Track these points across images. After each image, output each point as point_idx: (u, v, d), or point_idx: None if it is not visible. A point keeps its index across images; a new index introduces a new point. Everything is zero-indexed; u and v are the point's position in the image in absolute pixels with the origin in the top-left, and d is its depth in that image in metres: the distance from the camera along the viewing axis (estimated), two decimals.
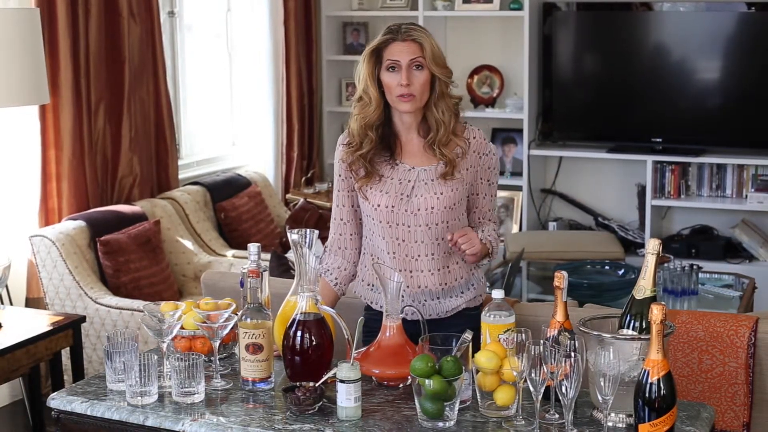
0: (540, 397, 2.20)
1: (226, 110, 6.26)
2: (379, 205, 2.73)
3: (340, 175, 2.83)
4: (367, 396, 2.38)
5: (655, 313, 2.05)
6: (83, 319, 3.87)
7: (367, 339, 2.63)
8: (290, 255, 4.32)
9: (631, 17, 6.17)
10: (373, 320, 2.71)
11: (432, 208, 2.70)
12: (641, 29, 6.16)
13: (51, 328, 3.71)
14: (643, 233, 6.12)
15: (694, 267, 4.53)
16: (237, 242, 5.38)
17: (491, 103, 6.55)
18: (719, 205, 6.05)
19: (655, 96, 6.13)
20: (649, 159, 6.05)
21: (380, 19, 6.65)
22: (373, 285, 2.81)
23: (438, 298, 2.76)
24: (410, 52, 2.67)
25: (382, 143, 2.75)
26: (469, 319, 2.68)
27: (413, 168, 2.74)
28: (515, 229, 6.23)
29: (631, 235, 6.20)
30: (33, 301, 4.55)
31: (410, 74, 2.66)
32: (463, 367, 2.28)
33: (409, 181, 2.73)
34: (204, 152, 6.07)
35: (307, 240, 2.57)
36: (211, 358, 2.56)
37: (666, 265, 4.56)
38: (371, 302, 2.84)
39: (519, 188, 6.25)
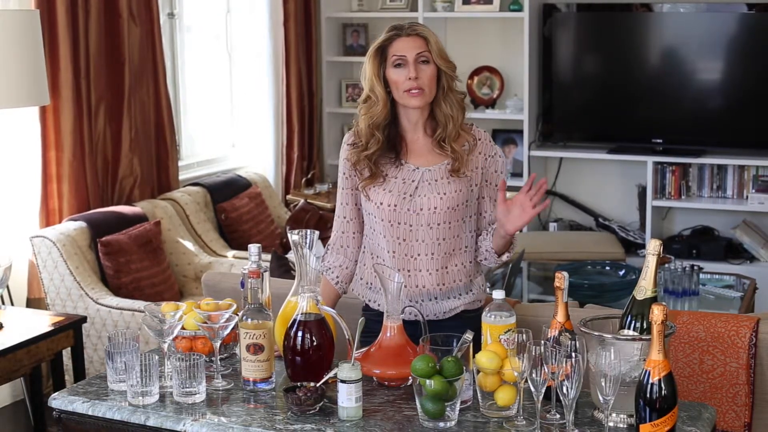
0: (541, 398, 2.20)
1: (227, 111, 6.27)
2: (381, 203, 2.72)
3: (344, 173, 2.82)
4: (368, 396, 2.38)
5: (656, 313, 2.05)
6: (84, 319, 3.87)
7: (366, 339, 2.61)
8: (291, 256, 4.32)
9: (631, 18, 6.17)
10: (370, 321, 2.70)
11: (435, 208, 2.70)
12: (641, 30, 6.16)
13: (52, 328, 3.72)
14: (644, 234, 6.12)
15: (695, 268, 4.52)
16: (237, 243, 5.38)
17: (491, 104, 6.55)
18: (720, 206, 6.05)
19: (656, 97, 6.13)
20: (650, 160, 6.05)
21: (380, 20, 6.65)
22: (371, 284, 2.81)
23: (436, 298, 2.76)
24: (416, 46, 2.67)
25: (387, 144, 2.75)
26: (467, 321, 2.67)
27: (418, 168, 2.74)
28: None
29: (631, 235, 6.20)
30: (34, 302, 4.55)
31: (417, 68, 2.65)
32: (464, 368, 2.28)
33: (413, 180, 2.72)
34: (204, 153, 6.08)
35: (308, 241, 2.57)
36: (212, 359, 2.56)
37: (667, 265, 4.56)
38: (369, 301, 2.83)
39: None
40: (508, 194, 2.69)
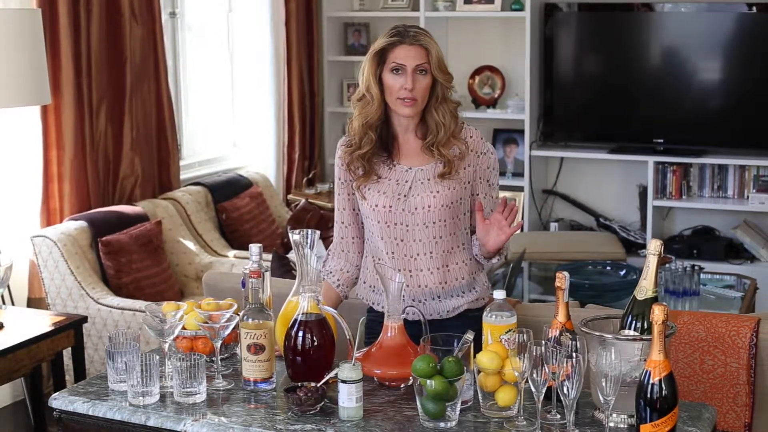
0: (541, 398, 2.20)
1: (228, 111, 6.27)
2: (377, 206, 2.73)
3: (339, 178, 2.83)
4: (368, 396, 2.38)
5: (657, 313, 2.05)
6: (85, 319, 3.87)
7: (370, 341, 2.63)
8: (291, 255, 4.32)
9: (632, 18, 6.17)
10: (375, 322, 2.71)
11: (429, 206, 2.70)
12: (642, 30, 6.16)
13: (53, 328, 3.72)
14: (645, 234, 6.12)
15: (696, 268, 4.53)
16: (238, 243, 5.38)
17: (492, 103, 6.55)
18: (721, 206, 6.05)
19: (657, 97, 6.13)
20: (651, 160, 6.05)
21: (381, 19, 6.66)
22: (374, 287, 2.81)
23: (438, 297, 2.76)
24: (417, 57, 2.66)
25: (380, 143, 2.76)
26: (471, 320, 2.67)
27: (410, 168, 2.74)
28: None
29: (632, 235, 6.20)
30: (35, 302, 4.55)
31: (415, 79, 2.65)
32: (465, 368, 2.28)
33: (407, 181, 2.73)
34: (205, 153, 6.08)
35: (309, 240, 2.57)
36: (213, 359, 2.56)
37: (667, 265, 4.56)
38: (373, 303, 2.84)
39: (520, 189, 6.25)
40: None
